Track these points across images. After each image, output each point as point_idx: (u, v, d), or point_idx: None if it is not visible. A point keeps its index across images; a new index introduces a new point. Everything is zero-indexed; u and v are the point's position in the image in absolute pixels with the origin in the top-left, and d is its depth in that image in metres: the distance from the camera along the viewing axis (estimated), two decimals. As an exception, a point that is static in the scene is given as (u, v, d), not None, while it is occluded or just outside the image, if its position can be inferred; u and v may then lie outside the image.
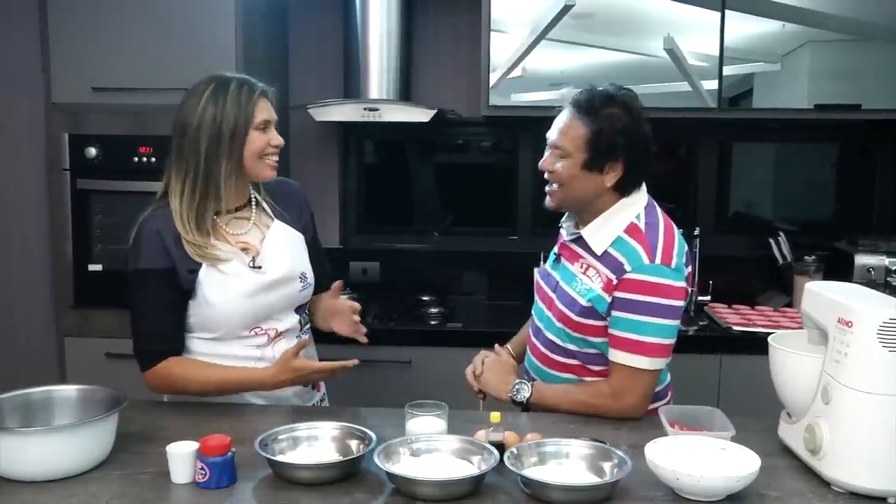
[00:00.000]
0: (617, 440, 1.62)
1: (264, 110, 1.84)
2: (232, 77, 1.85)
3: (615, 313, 1.77)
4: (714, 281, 3.09)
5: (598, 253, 1.82)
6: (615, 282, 1.77)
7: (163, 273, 1.81)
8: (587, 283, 1.82)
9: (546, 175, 1.87)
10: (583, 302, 1.81)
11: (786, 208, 3.43)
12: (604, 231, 1.83)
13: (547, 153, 1.87)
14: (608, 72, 2.98)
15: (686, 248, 1.83)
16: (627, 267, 1.76)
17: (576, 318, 1.83)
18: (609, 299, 1.78)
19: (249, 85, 1.83)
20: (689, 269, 1.83)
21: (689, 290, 1.81)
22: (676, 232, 1.83)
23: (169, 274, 1.81)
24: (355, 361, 1.83)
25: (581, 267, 1.86)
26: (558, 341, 1.89)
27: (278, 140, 1.87)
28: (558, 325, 1.88)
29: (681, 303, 1.77)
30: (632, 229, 1.81)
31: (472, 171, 3.53)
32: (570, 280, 1.87)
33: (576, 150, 1.80)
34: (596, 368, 1.86)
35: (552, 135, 1.86)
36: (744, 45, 2.93)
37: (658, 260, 1.75)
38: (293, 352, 1.81)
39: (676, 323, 1.78)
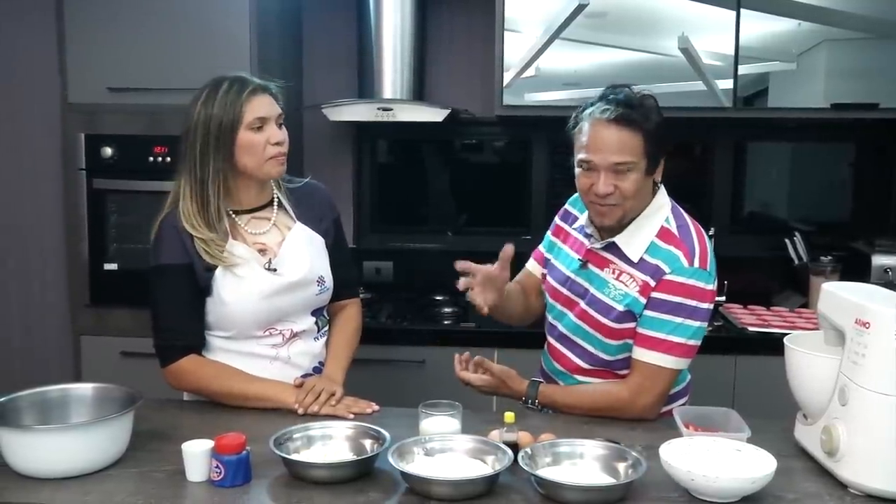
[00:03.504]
0: (632, 441, 1.61)
1: (258, 108, 1.81)
2: (226, 77, 1.84)
3: (647, 312, 1.77)
4: (729, 281, 3.08)
5: (635, 260, 1.80)
6: (653, 284, 1.77)
7: (181, 268, 1.82)
8: (622, 288, 1.81)
9: (606, 197, 1.76)
10: (619, 307, 1.80)
11: (802, 208, 3.41)
12: (638, 238, 1.81)
13: (600, 176, 1.75)
14: (622, 71, 2.97)
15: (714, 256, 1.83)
16: (667, 269, 1.76)
17: (612, 325, 1.82)
18: (645, 301, 1.78)
19: (240, 84, 1.82)
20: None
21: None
22: (705, 234, 1.83)
23: (187, 269, 1.82)
24: (375, 407, 1.85)
25: (613, 273, 1.83)
26: (590, 348, 1.88)
27: (278, 136, 1.83)
28: (590, 331, 1.86)
29: (711, 305, 1.78)
30: (664, 233, 1.80)
31: (486, 170, 3.52)
32: (601, 286, 1.84)
33: (639, 159, 1.74)
34: (623, 373, 1.86)
35: (603, 156, 1.73)
36: (759, 44, 2.91)
37: (697, 263, 1.76)
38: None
39: (705, 325, 1.79)
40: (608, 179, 1.74)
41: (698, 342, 1.79)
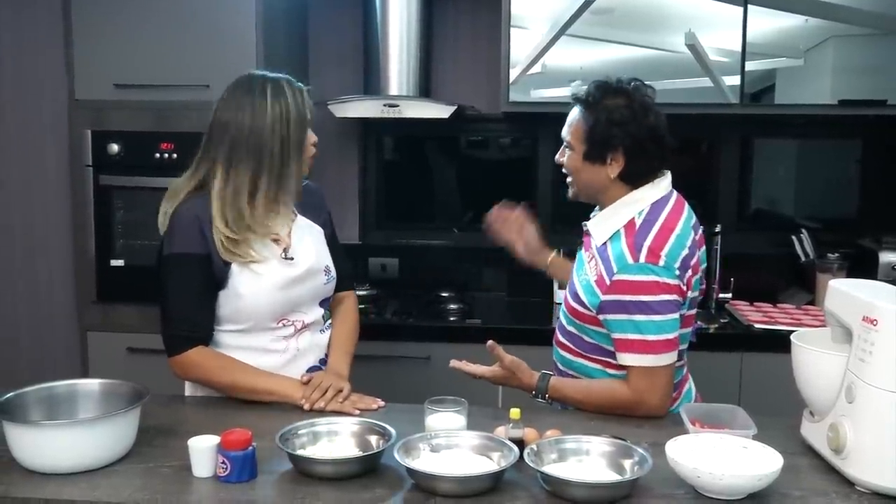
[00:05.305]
0: (637, 437, 1.61)
1: (309, 109, 1.89)
2: (277, 76, 1.87)
3: (612, 317, 1.78)
4: (735, 278, 3.07)
5: (598, 244, 1.85)
6: (608, 283, 1.78)
7: (198, 258, 1.82)
8: (587, 273, 1.86)
9: (563, 170, 1.94)
10: (578, 289, 1.86)
11: (808, 205, 3.40)
12: (607, 224, 1.86)
13: (562, 147, 1.94)
14: (629, 67, 2.95)
15: (686, 251, 1.80)
16: (614, 268, 1.78)
17: (571, 303, 1.89)
18: (600, 297, 1.79)
19: (297, 85, 1.88)
20: (690, 273, 1.81)
21: (684, 289, 1.79)
22: (676, 232, 1.80)
23: (204, 260, 1.82)
24: (381, 403, 1.86)
25: (588, 257, 1.89)
26: (564, 323, 1.95)
27: (314, 137, 1.92)
28: (564, 307, 1.95)
29: (673, 296, 1.76)
30: (629, 226, 1.82)
31: (492, 167, 3.52)
32: (579, 268, 1.92)
33: (577, 142, 1.87)
34: (593, 356, 1.88)
35: (563, 130, 1.92)
36: (766, 40, 2.90)
37: (643, 259, 1.75)
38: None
39: (674, 316, 1.77)
40: (562, 151, 1.93)
41: (672, 335, 1.77)
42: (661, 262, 1.75)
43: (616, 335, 1.79)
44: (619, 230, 1.82)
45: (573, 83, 2.90)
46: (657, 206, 1.84)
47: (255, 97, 1.82)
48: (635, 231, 1.80)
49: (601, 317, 1.80)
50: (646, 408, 1.78)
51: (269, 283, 1.85)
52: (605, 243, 1.83)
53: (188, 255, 1.82)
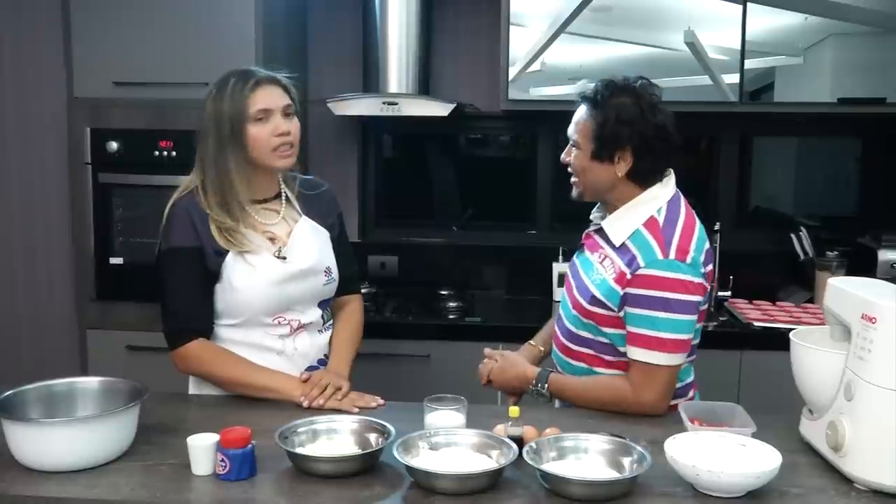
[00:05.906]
0: (636, 435, 1.61)
1: (262, 99, 1.82)
2: (235, 72, 1.86)
3: (630, 310, 1.77)
4: (734, 276, 3.07)
5: (616, 244, 1.83)
6: (629, 276, 1.77)
7: (192, 251, 1.83)
8: (602, 273, 1.84)
9: (568, 168, 1.92)
10: (595, 291, 1.83)
11: (808, 203, 3.40)
12: (623, 223, 1.84)
13: (568, 146, 1.92)
14: (628, 66, 2.95)
15: (707, 245, 1.83)
16: (641, 262, 1.76)
17: (587, 306, 1.85)
18: (620, 292, 1.78)
19: (245, 78, 1.83)
20: (710, 266, 1.83)
21: (707, 286, 1.80)
22: (697, 228, 1.82)
23: (198, 253, 1.83)
24: (381, 402, 1.86)
25: (599, 257, 1.87)
26: (573, 328, 1.91)
27: (283, 128, 1.84)
28: (573, 311, 1.90)
29: (697, 298, 1.76)
30: (650, 223, 1.81)
31: (491, 165, 3.52)
32: (588, 269, 1.89)
33: (584, 141, 1.85)
34: (609, 359, 1.86)
35: (569, 128, 1.90)
36: (766, 38, 2.90)
37: (672, 255, 1.75)
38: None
39: (692, 318, 1.77)
40: (568, 150, 1.91)
41: (687, 336, 1.77)
42: (689, 260, 1.76)
43: (631, 328, 1.78)
44: (638, 228, 1.81)
45: (578, 82, 2.90)
46: (674, 205, 1.84)
47: (205, 99, 1.85)
48: (660, 228, 1.79)
49: (623, 311, 1.79)
50: (639, 404, 1.78)
51: (262, 277, 1.85)
52: (623, 243, 1.82)
53: (183, 249, 1.84)
